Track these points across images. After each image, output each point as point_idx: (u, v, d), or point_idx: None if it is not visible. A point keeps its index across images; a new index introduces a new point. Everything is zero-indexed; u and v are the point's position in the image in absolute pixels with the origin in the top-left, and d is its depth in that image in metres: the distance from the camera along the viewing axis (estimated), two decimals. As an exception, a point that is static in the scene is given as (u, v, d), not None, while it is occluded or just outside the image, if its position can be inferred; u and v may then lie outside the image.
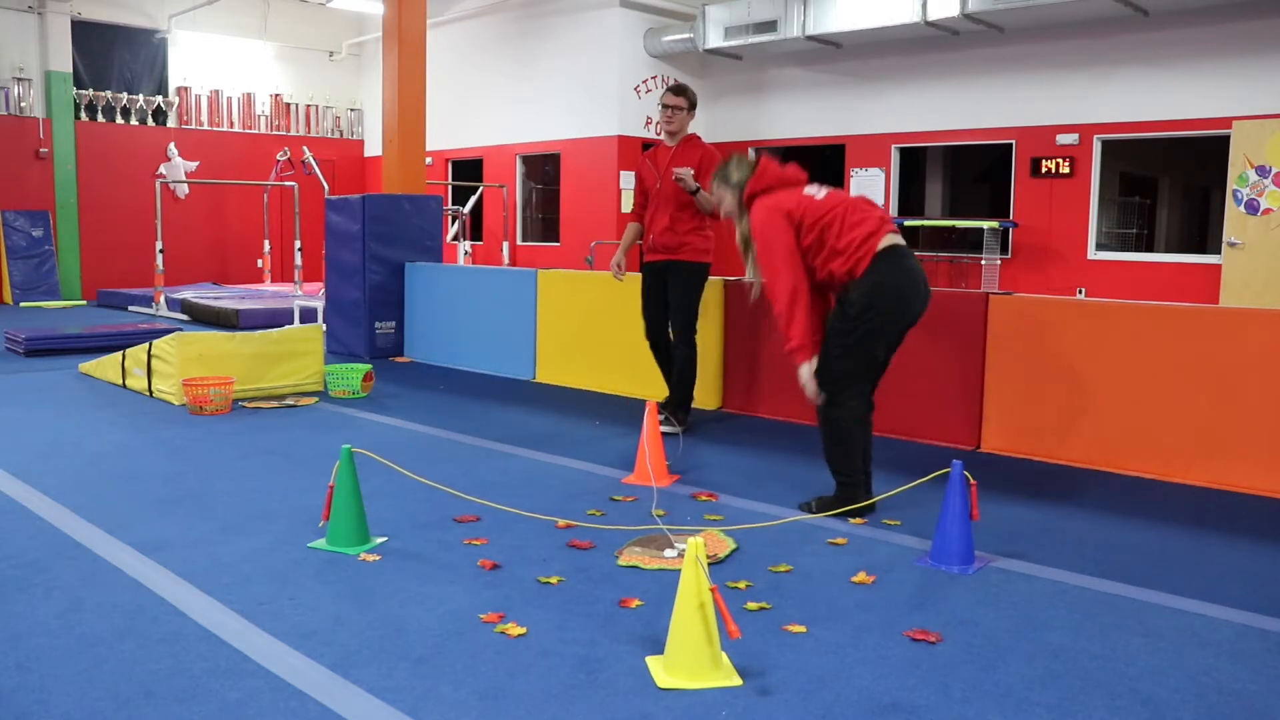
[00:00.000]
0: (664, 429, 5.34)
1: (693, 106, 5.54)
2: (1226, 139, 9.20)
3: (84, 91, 13.98)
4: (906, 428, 5.51)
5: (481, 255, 14.60)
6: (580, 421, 5.90)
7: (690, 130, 5.59)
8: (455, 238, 13.68)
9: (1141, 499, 4.33)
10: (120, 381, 6.78)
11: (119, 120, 14.31)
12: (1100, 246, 10.42)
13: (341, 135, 16.57)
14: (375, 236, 8.46)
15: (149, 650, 2.63)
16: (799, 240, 3.90)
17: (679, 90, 5.57)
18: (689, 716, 2.32)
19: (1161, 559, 3.52)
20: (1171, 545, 3.69)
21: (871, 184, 11.83)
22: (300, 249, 12.26)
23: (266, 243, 14.44)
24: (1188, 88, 9.49)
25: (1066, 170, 10.27)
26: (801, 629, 2.83)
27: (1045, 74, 10.31)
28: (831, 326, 3.91)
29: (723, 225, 5.37)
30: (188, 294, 12.09)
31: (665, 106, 5.53)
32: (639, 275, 5.79)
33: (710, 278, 6.34)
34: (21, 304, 13.09)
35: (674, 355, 5.57)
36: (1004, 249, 10.83)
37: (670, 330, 5.58)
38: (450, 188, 14.54)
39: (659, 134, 5.72)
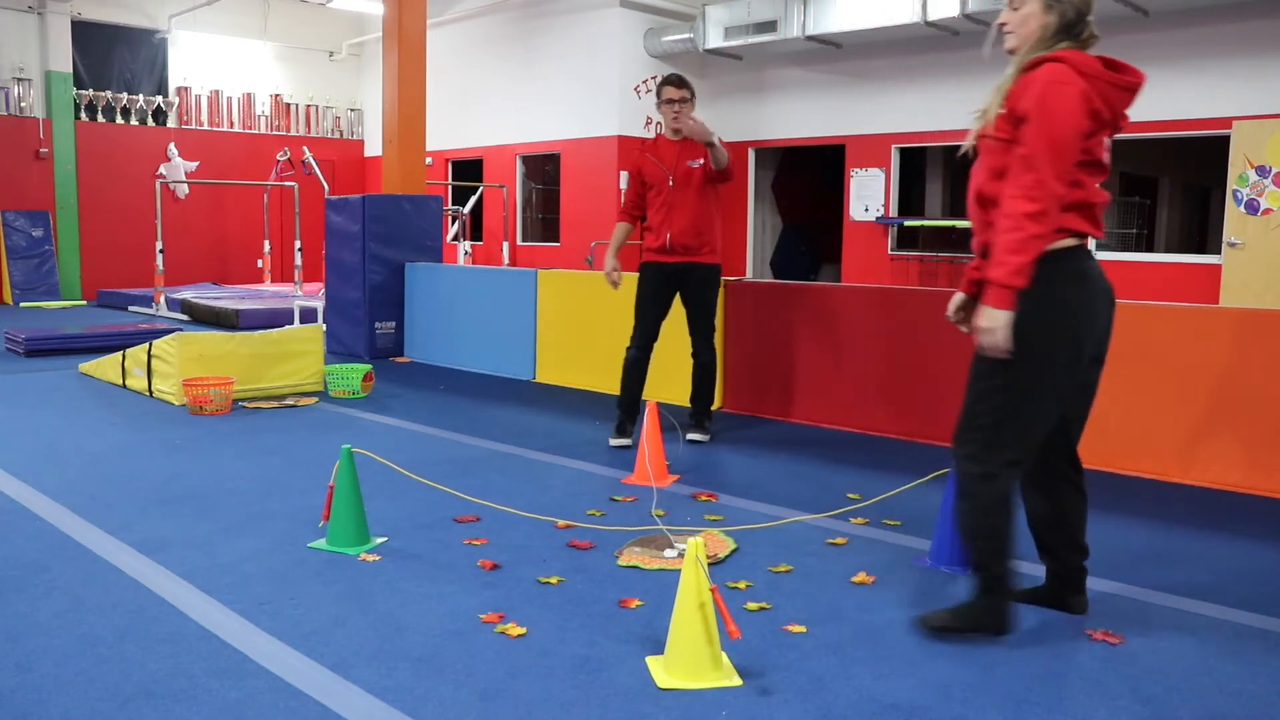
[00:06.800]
0: (694, 436, 5.29)
1: (693, 95, 5.22)
2: (1226, 139, 9.19)
3: (84, 91, 13.97)
4: (907, 428, 5.51)
5: (481, 255, 14.59)
6: (580, 421, 5.90)
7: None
8: (455, 238, 13.68)
9: (1141, 499, 4.33)
10: (120, 382, 6.78)
11: (119, 120, 14.30)
12: (1100, 246, 10.42)
13: (341, 135, 16.56)
14: (375, 237, 8.46)
15: (149, 650, 2.63)
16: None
17: (681, 83, 5.17)
18: (689, 716, 2.32)
19: (1161, 559, 3.52)
20: (1171, 545, 3.69)
21: (871, 184, 11.82)
22: (300, 249, 12.26)
23: (266, 243, 14.44)
24: (1188, 88, 9.48)
25: (1066, 170, 10.24)
26: (801, 629, 2.83)
27: (1045, 74, 10.29)
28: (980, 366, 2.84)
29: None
30: (188, 294, 12.09)
31: (671, 101, 5.13)
32: (633, 275, 5.45)
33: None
34: (21, 304, 13.09)
35: (696, 363, 5.33)
36: (1004, 249, 10.81)
37: (692, 339, 5.31)
38: (450, 188, 14.54)
39: (667, 131, 5.31)
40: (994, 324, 2.63)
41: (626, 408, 5.29)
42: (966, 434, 2.80)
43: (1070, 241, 2.70)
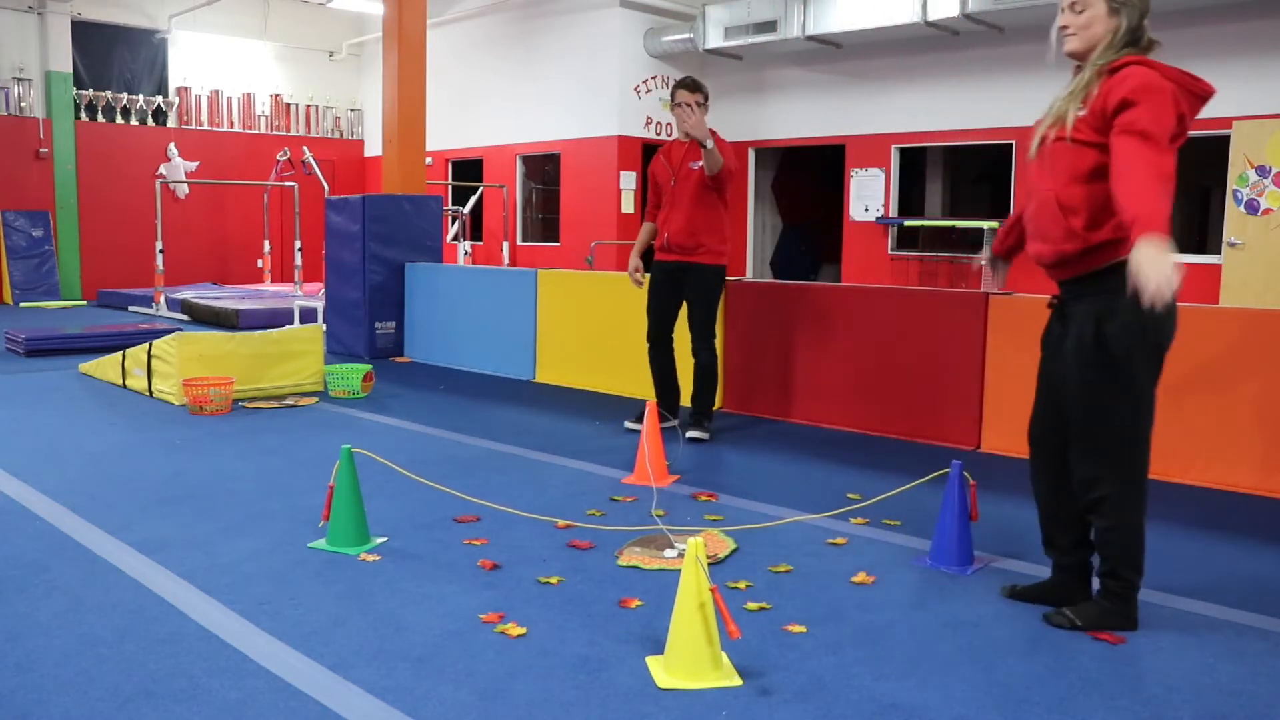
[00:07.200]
0: (693, 434, 5.31)
1: (707, 99, 5.24)
2: (1226, 139, 9.19)
3: (84, 91, 13.97)
4: (906, 428, 5.51)
5: (481, 255, 14.60)
6: (580, 421, 5.90)
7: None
8: (455, 238, 13.68)
9: (1141, 499, 4.33)
10: (120, 382, 6.78)
11: (119, 120, 14.30)
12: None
13: (341, 135, 16.56)
14: (375, 237, 8.46)
15: (149, 650, 2.63)
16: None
17: (694, 86, 5.20)
18: (689, 716, 2.32)
19: (1162, 559, 3.52)
20: (1171, 545, 3.68)
21: (871, 184, 11.82)
22: (300, 249, 12.26)
23: (266, 243, 14.44)
24: (1188, 88, 9.48)
25: (1066, 170, 10.24)
26: (801, 629, 2.83)
27: (1045, 74, 10.29)
28: (1092, 376, 2.79)
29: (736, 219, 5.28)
30: (188, 294, 12.09)
31: (682, 105, 5.16)
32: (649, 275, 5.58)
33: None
34: (21, 304, 13.09)
35: (694, 362, 5.36)
36: (1004, 249, 10.81)
37: (690, 337, 5.35)
38: (450, 188, 14.54)
39: (680, 134, 5.37)
40: (1161, 262, 2.38)
41: (659, 400, 5.42)
42: (1094, 453, 2.81)
43: None
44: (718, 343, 6.05)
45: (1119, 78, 2.68)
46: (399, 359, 8.49)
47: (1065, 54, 2.84)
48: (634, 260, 5.56)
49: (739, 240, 13.28)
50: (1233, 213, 9.17)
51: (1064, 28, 2.81)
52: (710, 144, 5.03)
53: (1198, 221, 14.14)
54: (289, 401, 6.32)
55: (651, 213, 5.54)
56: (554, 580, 3.19)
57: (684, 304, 5.43)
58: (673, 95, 5.30)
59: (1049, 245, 2.83)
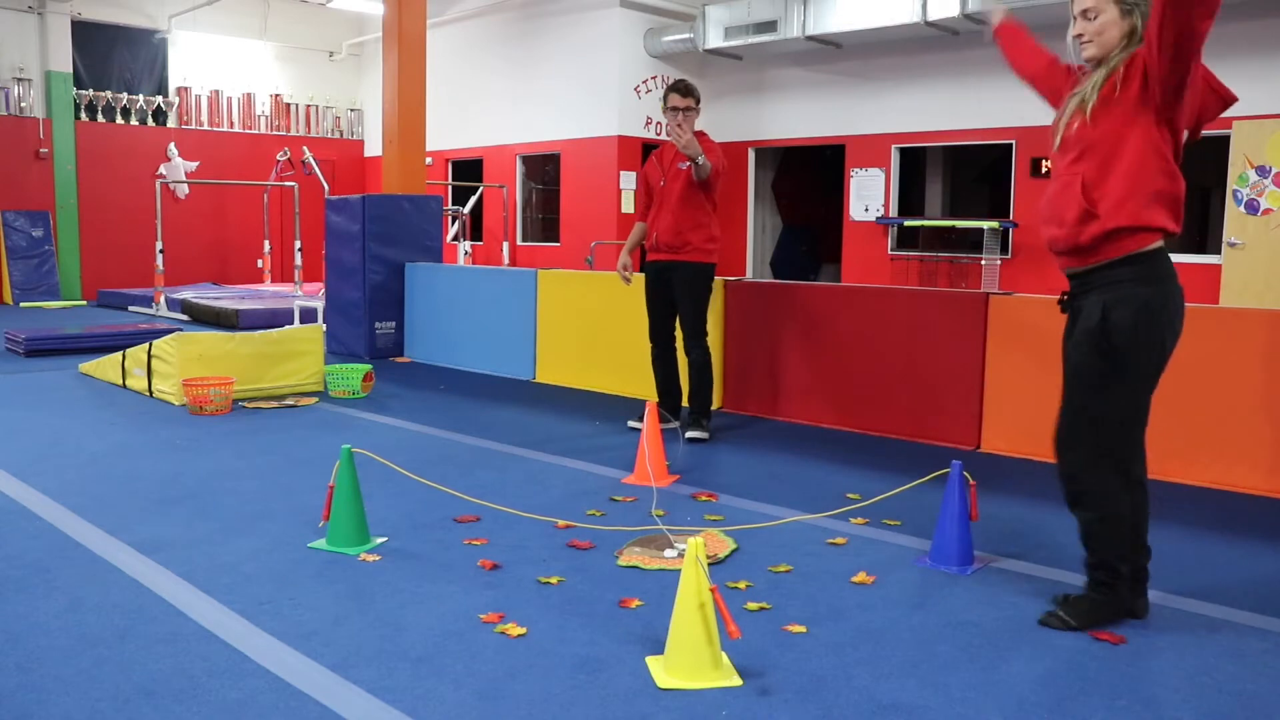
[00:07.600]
0: (692, 434, 5.32)
1: (699, 102, 5.29)
2: (1226, 139, 9.19)
3: (84, 91, 13.97)
4: (906, 428, 5.51)
5: (481, 255, 14.60)
6: (580, 421, 5.90)
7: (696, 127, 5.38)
8: (455, 238, 13.69)
9: (1141, 499, 4.33)
10: (120, 382, 6.78)
11: (119, 120, 14.30)
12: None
13: (341, 135, 16.56)
14: (375, 236, 8.47)
15: (149, 650, 2.63)
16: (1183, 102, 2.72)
17: (686, 90, 5.25)
18: (689, 716, 2.32)
19: (1162, 559, 3.51)
20: (1171, 545, 3.68)
21: (871, 184, 11.83)
22: (300, 249, 12.26)
23: (266, 243, 14.44)
24: (1188, 88, 9.47)
25: (1066, 170, 10.24)
26: (801, 629, 2.83)
27: (1045, 74, 10.31)
28: (1082, 361, 2.87)
29: (726, 220, 5.29)
30: (188, 294, 12.09)
31: (675, 109, 5.21)
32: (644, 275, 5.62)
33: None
34: (21, 304, 13.09)
35: (687, 361, 5.39)
36: (1004, 249, 10.82)
37: (682, 335, 5.41)
38: (450, 188, 14.54)
39: (668, 136, 5.46)
40: None
41: (660, 400, 5.52)
42: (1079, 443, 2.83)
43: (1161, 242, 2.79)
44: (717, 343, 6.07)
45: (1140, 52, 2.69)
46: (399, 359, 8.49)
47: (1084, 60, 2.85)
48: (623, 258, 5.58)
49: (739, 240, 13.28)
50: (1233, 213, 9.17)
51: (1079, 36, 2.81)
52: (701, 159, 5.08)
53: (1198, 221, 14.14)
54: (289, 401, 6.32)
55: (643, 213, 5.58)
56: (554, 580, 3.19)
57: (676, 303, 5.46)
58: (665, 98, 5.32)
59: (1064, 229, 2.84)
